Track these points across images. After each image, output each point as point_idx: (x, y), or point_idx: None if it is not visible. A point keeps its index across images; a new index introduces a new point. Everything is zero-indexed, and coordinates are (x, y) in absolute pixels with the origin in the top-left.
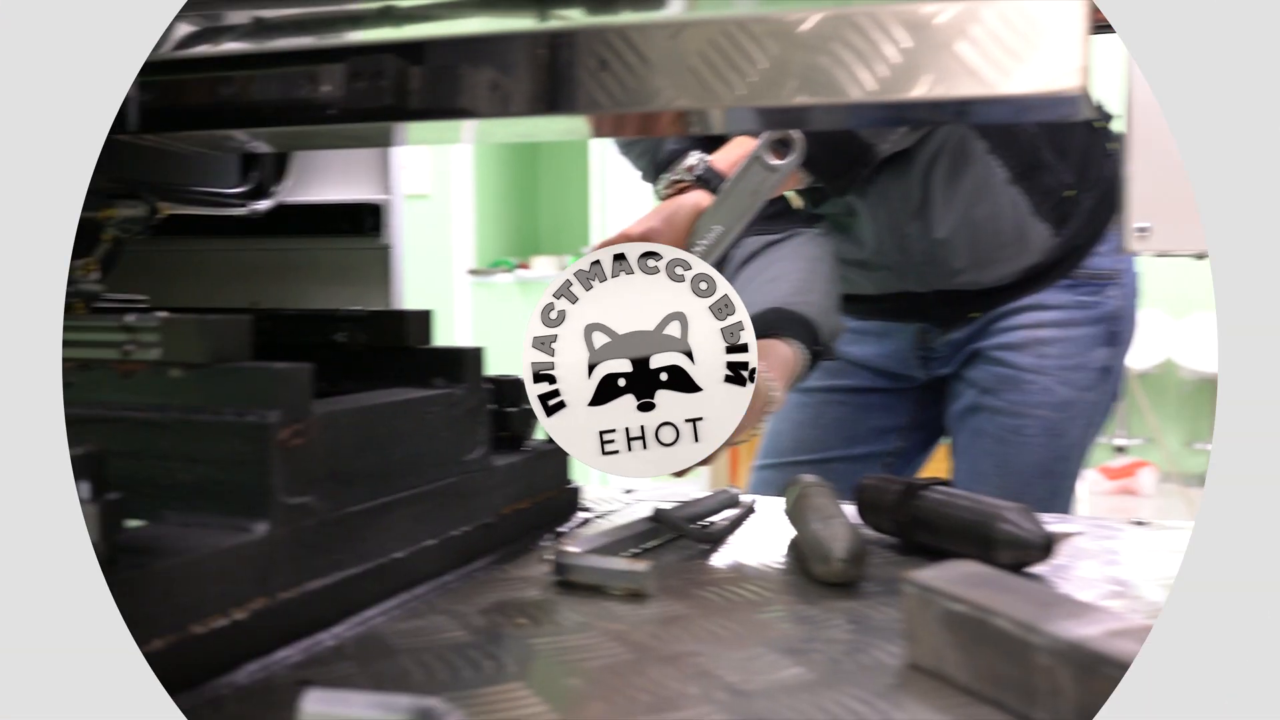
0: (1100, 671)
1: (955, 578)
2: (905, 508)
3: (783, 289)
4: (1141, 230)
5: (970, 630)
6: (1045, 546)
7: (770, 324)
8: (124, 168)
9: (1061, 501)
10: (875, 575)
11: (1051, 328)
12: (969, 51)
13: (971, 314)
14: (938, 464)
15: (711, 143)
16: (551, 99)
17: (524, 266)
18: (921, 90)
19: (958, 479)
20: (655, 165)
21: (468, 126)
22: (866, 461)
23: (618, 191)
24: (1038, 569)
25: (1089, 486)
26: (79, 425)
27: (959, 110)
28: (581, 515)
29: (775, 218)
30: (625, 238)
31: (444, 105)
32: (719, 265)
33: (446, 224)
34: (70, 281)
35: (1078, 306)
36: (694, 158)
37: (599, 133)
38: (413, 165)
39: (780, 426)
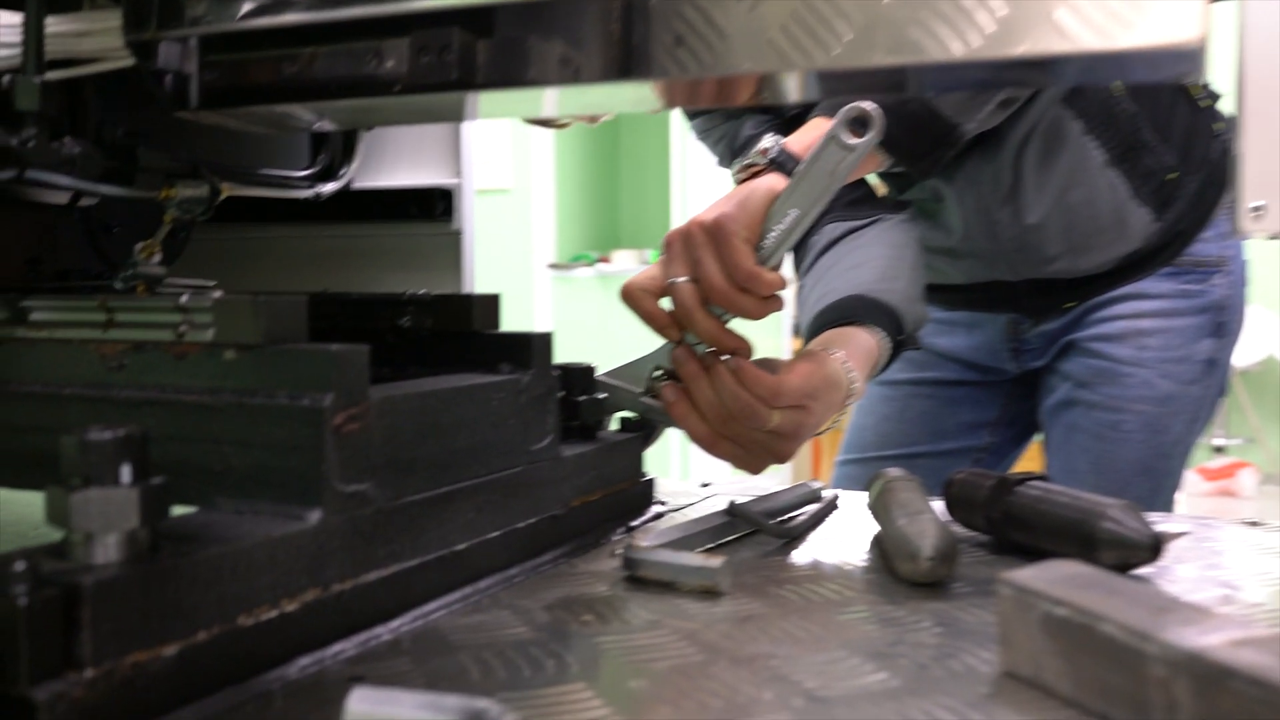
0: (1223, 685)
1: (1057, 579)
2: (999, 503)
3: (865, 275)
4: (1256, 210)
5: (1074, 636)
6: (1153, 547)
7: (851, 311)
8: (185, 146)
9: (1162, 501)
10: (965, 575)
11: (1152, 318)
12: (1075, 7)
13: (1066, 304)
14: (1030, 461)
15: (792, 126)
16: (625, 73)
17: (604, 260)
18: (1025, 47)
19: (1052, 477)
20: (732, 150)
21: (537, 97)
22: (955, 457)
23: (698, 184)
24: (1141, 571)
25: (1186, 487)
26: (131, 408)
27: (1066, 72)
28: (655, 509)
29: (858, 203)
30: (698, 224)
31: (511, 76)
32: (796, 251)
33: (527, 218)
34: (132, 264)
35: (1181, 295)
36: (768, 140)
37: (671, 103)
38: (493, 159)
39: (864, 420)
